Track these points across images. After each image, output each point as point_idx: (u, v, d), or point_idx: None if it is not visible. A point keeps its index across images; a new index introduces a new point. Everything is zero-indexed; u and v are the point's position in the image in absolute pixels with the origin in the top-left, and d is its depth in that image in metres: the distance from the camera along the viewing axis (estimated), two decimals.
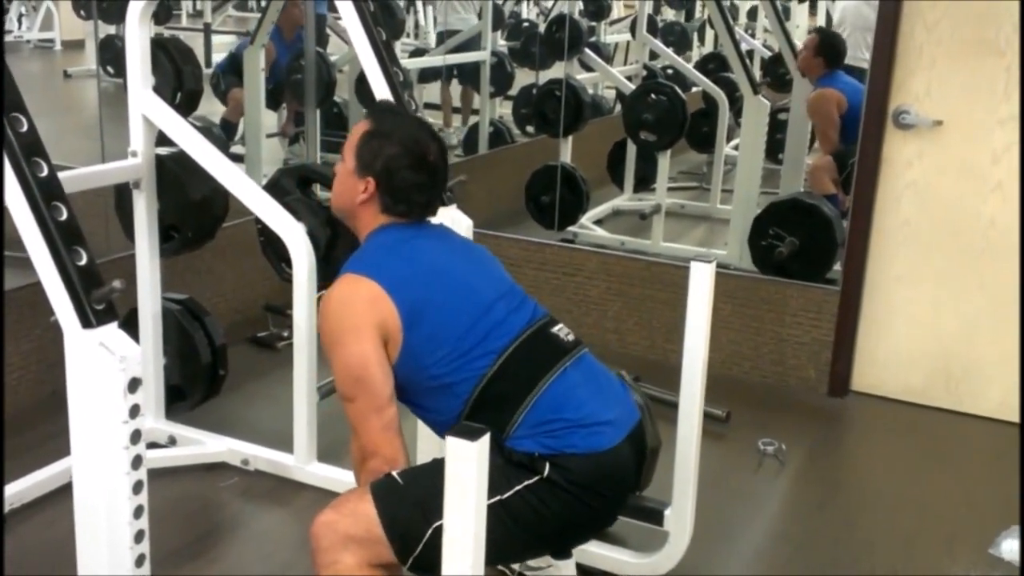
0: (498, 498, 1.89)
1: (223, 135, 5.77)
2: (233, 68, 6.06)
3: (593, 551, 2.69)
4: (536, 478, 1.93)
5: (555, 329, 2.10)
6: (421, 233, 2.14)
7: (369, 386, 1.96)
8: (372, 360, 1.96)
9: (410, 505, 1.91)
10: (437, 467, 1.97)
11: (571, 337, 2.11)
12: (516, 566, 2.55)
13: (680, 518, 2.54)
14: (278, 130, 6.47)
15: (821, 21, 7.34)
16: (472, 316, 2.03)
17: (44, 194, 2.04)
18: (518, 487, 1.91)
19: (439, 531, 1.76)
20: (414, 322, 1.98)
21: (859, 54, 5.80)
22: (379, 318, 1.96)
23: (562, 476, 1.93)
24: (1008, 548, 2.89)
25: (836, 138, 5.03)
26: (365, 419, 1.98)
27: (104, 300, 2.02)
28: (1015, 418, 3.70)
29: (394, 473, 1.96)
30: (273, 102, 6.14)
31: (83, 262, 2.03)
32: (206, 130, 4.73)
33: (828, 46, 5.22)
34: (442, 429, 2.03)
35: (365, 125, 2.14)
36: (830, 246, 4.39)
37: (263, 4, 6.08)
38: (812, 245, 4.42)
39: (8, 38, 8.85)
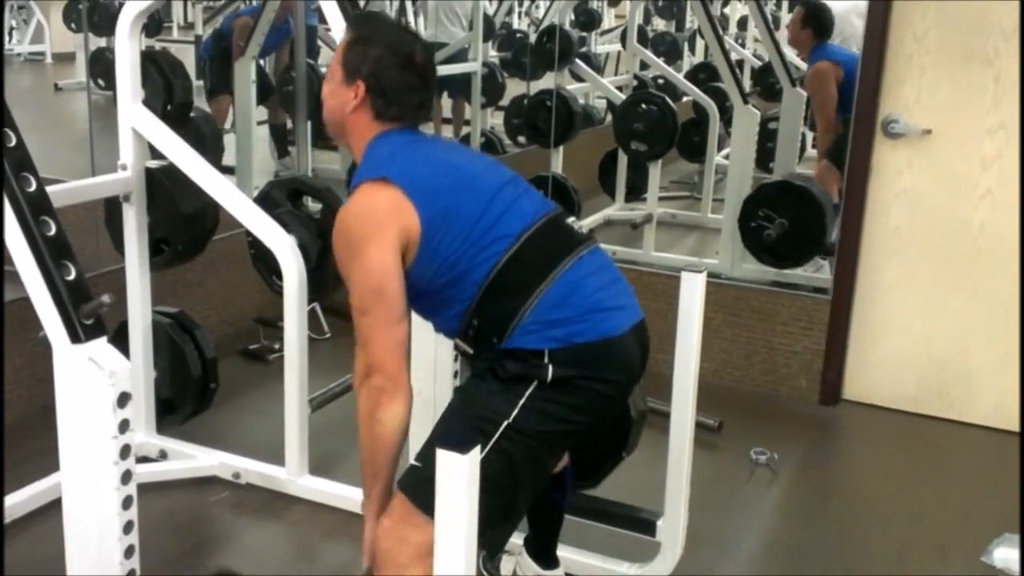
0: (505, 423, 1.91)
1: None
2: (219, 47, 6.02)
3: (585, 561, 2.68)
4: (535, 384, 1.93)
5: (569, 220, 2.10)
6: (420, 137, 2.12)
7: (387, 297, 1.94)
8: (393, 271, 1.93)
9: (433, 483, 1.91)
10: (435, 433, 2.00)
11: (585, 230, 2.11)
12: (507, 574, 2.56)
13: (672, 528, 2.54)
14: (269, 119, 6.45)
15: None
16: (483, 202, 2.01)
17: (33, 209, 2.04)
18: (521, 400, 1.92)
19: None
20: (433, 219, 1.95)
21: None
22: (401, 223, 1.94)
23: (568, 367, 1.94)
24: (1000, 556, 2.89)
25: (833, 112, 4.99)
26: (376, 332, 1.94)
27: (93, 315, 2.01)
28: (1008, 425, 3.70)
29: (412, 460, 1.98)
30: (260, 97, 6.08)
31: (72, 277, 2.03)
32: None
33: (814, 17, 5.18)
34: (455, 323, 2.04)
35: (347, 35, 2.12)
36: (819, 228, 4.40)
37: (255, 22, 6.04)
38: (801, 227, 4.42)
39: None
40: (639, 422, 2.60)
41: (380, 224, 1.94)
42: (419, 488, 1.92)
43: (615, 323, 2.00)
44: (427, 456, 1.94)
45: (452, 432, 1.95)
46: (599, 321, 1.97)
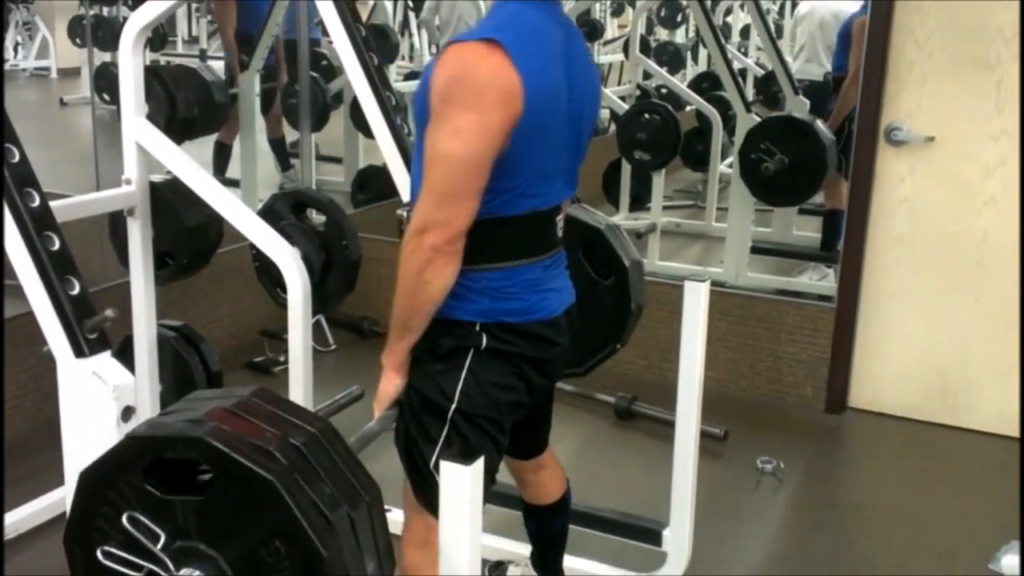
0: (452, 407, 1.91)
1: (215, 158, 5.78)
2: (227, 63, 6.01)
3: (591, 572, 2.68)
4: (471, 354, 1.91)
5: (558, 218, 2.03)
6: (549, 12, 1.91)
7: (480, 168, 1.78)
8: (486, 158, 1.77)
9: (413, 471, 1.96)
10: (404, 420, 1.99)
11: (560, 234, 2.05)
12: None
13: (678, 538, 2.54)
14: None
15: None
16: (556, 153, 1.92)
17: (36, 224, 2.05)
18: (462, 373, 1.91)
19: (438, 467, 1.70)
20: (527, 128, 1.80)
21: (814, 68, 5.84)
22: (511, 114, 1.76)
23: (497, 343, 1.91)
24: (1008, 563, 2.88)
25: None
26: (453, 193, 1.78)
27: (97, 329, 2.02)
28: (1012, 432, 3.69)
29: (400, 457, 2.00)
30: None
31: (75, 291, 2.03)
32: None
33: None
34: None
35: None
36: (818, 169, 4.43)
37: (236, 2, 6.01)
38: (800, 165, 4.45)
39: (4, 66, 8.89)
40: (635, 271, 2.52)
41: (499, 102, 1.76)
42: (416, 482, 1.97)
43: (549, 305, 1.98)
44: (412, 455, 1.97)
45: (421, 427, 1.95)
46: (534, 302, 1.94)
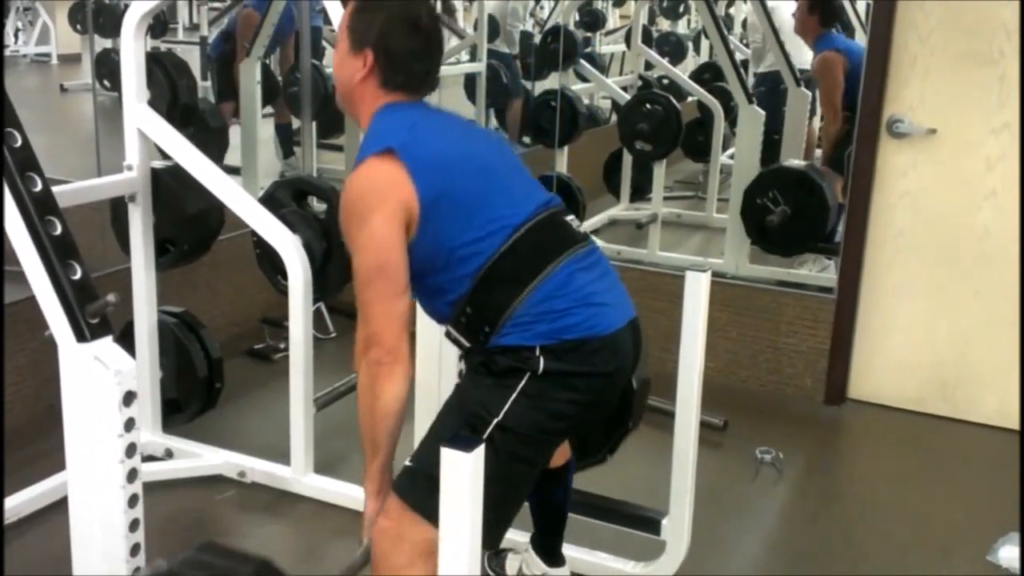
0: (495, 420, 1.91)
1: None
2: (226, 47, 6.02)
3: (590, 560, 2.69)
4: (527, 377, 1.92)
5: (568, 218, 2.09)
6: (429, 112, 2.10)
7: (389, 270, 1.92)
8: (396, 244, 1.92)
9: (423, 477, 1.89)
10: (432, 432, 1.99)
11: (582, 229, 2.11)
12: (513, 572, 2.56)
13: (677, 527, 2.54)
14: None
15: None
16: (486, 188, 2.01)
17: (38, 209, 2.05)
18: (513, 395, 1.91)
19: None
20: (434, 199, 1.94)
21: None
22: (402, 197, 1.91)
23: (559, 361, 1.93)
24: (1006, 555, 2.89)
25: (839, 103, 4.97)
26: (376, 305, 1.93)
27: (98, 314, 2.02)
28: (1011, 425, 3.70)
29: (407, 461, 1.97)
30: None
31: (77, 276, 2.03)
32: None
33: (822, 3, 5.13)
34: (448, 309, 2.02)
35: (353, 2, 2.10)
36: (819, 225, 4.44)
37: (260, 16, 6.05)
38: (802, 218, 4.46)
39: (4, 52, 8.87)
40: (642, 392, 2.57)
41: (384, 196, 1.92)
42: (414, 488, 1.92)
43: (607, 319, 1.99)
44: (422, 456, 1.96)
45: (445, 429, 1.95)
46: (589, 316, 1.97)
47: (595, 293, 2.00)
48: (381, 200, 1.91)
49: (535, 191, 2.09)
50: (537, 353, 1.93)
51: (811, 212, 4.47)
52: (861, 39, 5.20)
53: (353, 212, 1.94)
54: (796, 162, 5.12)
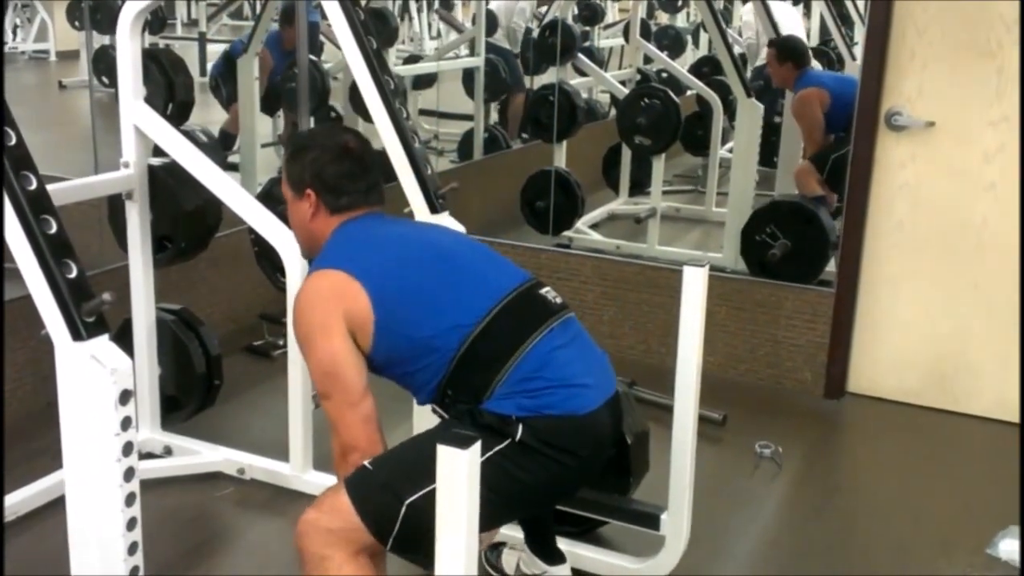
0: None
1: (220, 144, 5.78)
2: (229, 69, 6.05)
3: (589, 556, 2.68)
4: (507, 442, 1.94)
5: (543, 291, 2.13)
6: (379, 221, 2.19)
7: (342, 381, 1.99)
8: (341, 354, 1.99)
9: (380, 487, 1.94)
10: (404, 446, 2.03)
11: (558, 300, 2.14)
12: (511, 571, 2.56)
13: (676, 523, 2.54)
14: (274, 139, 6.46)
15: (815, 23, 7.34)
16: (449, 278, 2.07)
17: (33, 207, 2.04)
18: (489, 453, 1.91)
19: (413, 507, 1.86)
20: (386, 298, 2.00)
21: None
22: (345, 306, 1.99)
23: (535, 437, 1.95)
24: (1006, 548, 2.88)
25: (821, 138, 5.04)
26: (342, 414, 2.01)
27: (94, 312, 2.01)
28: (1010, 417, 3.70)
29: (365, 462, 1.99)
30: (269, 108, 6.13)
31: (73, 275, 2.03)
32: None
33: (789, 50, 5.26)
34: (427, 393, 2.07)
35: (284, 157, 2.26)
36: (819, 257, 4.49)
37: (257, 12, 6.06)
38: (802, 251, 4.49)
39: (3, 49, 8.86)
40: (639, 444, 2.61)
41: (324, 311, 2.00)
42: (362, 487, 1.95)
43: (585, 400, 2.02)
44: (382, 463, 1.98)
45: (415, 452, 1.97)
46: (568, 397, 1.99)
47: (574, 375, 2.02)
48: (322, 315, 2.00)
49: (506, 272, 2.14)
50: (515, 419, 1.95)
51: (812, 240, 4.51)
52: (859, 35, 5.21)
53: (300, 325, 2.04)
54: (787, 195, 5.24)
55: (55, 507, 2.79)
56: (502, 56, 7.00)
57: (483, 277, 2.10)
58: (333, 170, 2.15)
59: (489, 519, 1.96)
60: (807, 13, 7.70)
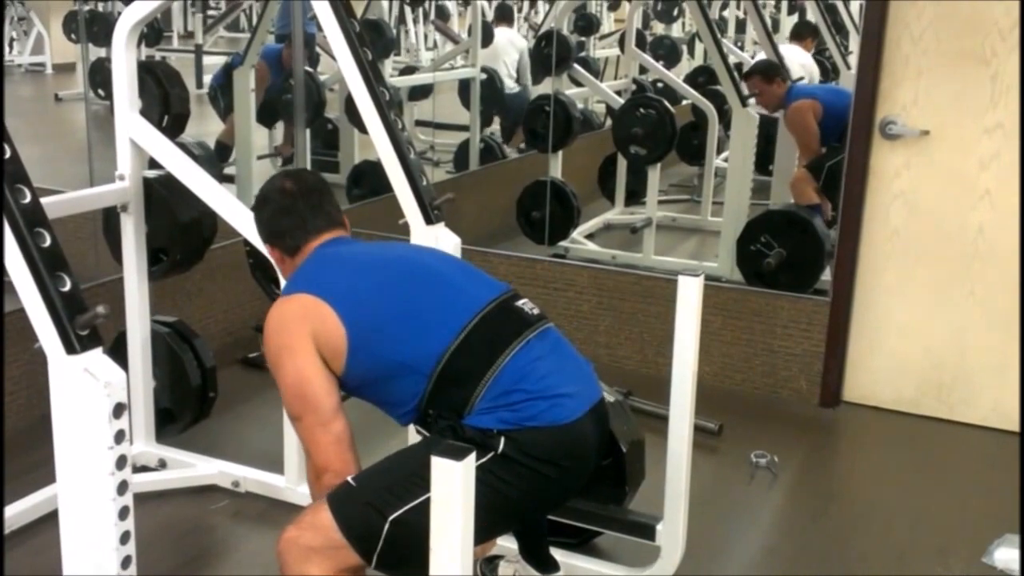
0: None
1: (216, 156, 5.78)
2: (229, 81, 6.06)
3: (585, 566, 2.68)
4: (490, 455, 1.93)
5: (519, 303, 2.12)
6: (349, 243, 2.22)
7: (311, 402, 1.99)
8: (309, 375, 1.99)
9: (364, 504, 1.92)
10: (387, 462, 2.02)
11: (536, 311, 2.12)
12: None
13: (672, 533, 2.53)
14: (271, 151, 6.47)
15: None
16: (423, 295, 2.06)
17: (27, 221, 2.04)
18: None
19: (397, 523, 1.85)
20: (359, 316, 2.00)
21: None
22: (312, 327, 1.99)
23: (517, 450, 1.94)
24: (1001, 556, 2.88)
25: (816, 147, 5.06)
26: (313, 435, 2.00)
27: (88, 326, 2.01)
28: (1007, 426, 3.70)
29: (348, 478, 1.97)
30: (265, 120, 6.13)
31: (67, 288, 2.02)
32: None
33: (774, 68, 5.32)
34: (407, 414, 2.05)
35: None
36: (814, 266, 4.52)
37: (254, 24, 6.07)
38: (797, 261, 4.53)
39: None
40: (634, 454, 2.60)
41: (290, 333, 2.01)
42: (345, 504, 1.93)
43: (567, 410, 2.00)
44: (365, 479, 1.97)
45: (399, 468, 1.96)
46: (550, 407, 1.97)
47: (554, 385, 2.01)
48: (288, 336, 2.01)
49: (481, 285, 2.13)
50: (496, 432, 1.94)
51: (807, 249, 4.55)
52: (854, 41, 5.22)
53: (269, 349, 2.05)
54: (782, 205, 5.27)
55: (49, 521, 2.77)
56: (518, 98, 7.07)
57: (457, 292, 2.08)
58: (276, 220, 2.22)
59: (476, 533, 1.98)
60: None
